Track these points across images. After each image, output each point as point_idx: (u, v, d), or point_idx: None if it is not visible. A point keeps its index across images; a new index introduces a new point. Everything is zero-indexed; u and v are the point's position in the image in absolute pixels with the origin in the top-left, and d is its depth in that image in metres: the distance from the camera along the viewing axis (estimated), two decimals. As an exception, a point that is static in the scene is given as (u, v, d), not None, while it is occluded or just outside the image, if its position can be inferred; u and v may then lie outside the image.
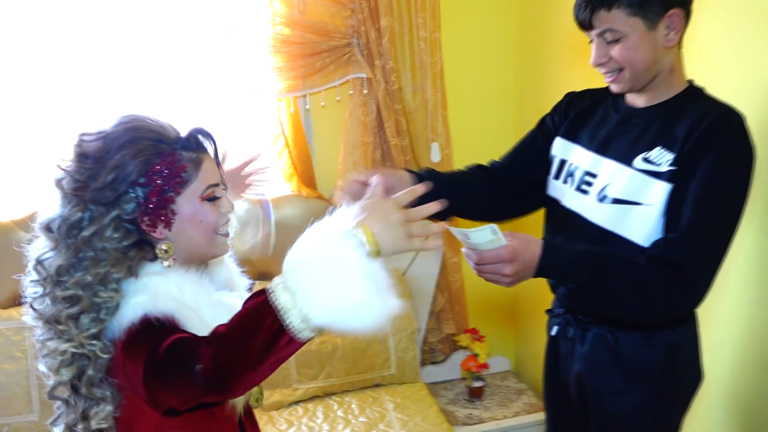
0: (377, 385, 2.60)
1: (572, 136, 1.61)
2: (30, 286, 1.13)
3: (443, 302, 2.92)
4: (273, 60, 2.48)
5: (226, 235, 1.23)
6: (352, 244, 0.96)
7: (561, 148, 1.63)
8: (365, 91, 2.60)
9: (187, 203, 1.14)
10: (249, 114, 2.61)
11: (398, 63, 2.62)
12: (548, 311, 1.73)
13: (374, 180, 1.12)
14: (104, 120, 1.15)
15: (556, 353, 1.68)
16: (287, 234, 2.59)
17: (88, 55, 2.39)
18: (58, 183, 1.10)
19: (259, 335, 0.97)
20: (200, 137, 1.19)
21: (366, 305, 0.96)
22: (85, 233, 1.08)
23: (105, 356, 1.08)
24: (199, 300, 1.13)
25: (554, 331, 1.67)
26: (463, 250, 1.37)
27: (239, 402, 1.21)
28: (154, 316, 1.06)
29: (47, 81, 2.38)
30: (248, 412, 1.33)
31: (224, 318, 1.02)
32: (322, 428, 2.33)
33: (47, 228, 1.10)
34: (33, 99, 2.39)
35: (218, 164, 1.23)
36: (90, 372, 1.09)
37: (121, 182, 1.09)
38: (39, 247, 1.12)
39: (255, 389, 1.26)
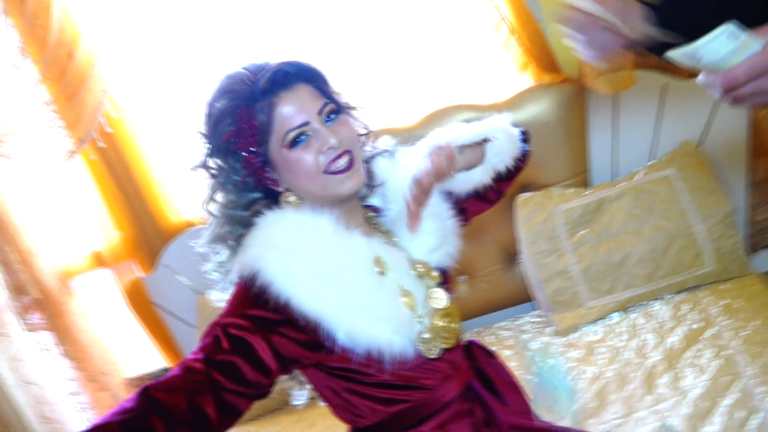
0: (693, 288, 2.09)
1: None
2: None
3: (765, 168, 2.24)
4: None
5: (342, 170, 1.06)
6: None
7: None
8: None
9: (276, 155, 1.08)
10: (460, 8, 2.25)
11: None
12: None
13: None
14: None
15: None
16: (545, 134, 2.25)
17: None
18: None
19: None
20: (279, 75, 1.05)
21: None
22: (211, 198, 1.13)
23: None
24: (301, 240, 1.04)
25: None
26: (699, 79, 0.89)
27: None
28: (244, 277, 1.03)
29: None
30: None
31: (329, 257, 1.03)
32: (628, 348, 1.93)
33: None
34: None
35: (322, 90, 1.10)
36: None
37: (217, 151, 1.09)
38: None
39: (431, 336, 1.11)
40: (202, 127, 1.11)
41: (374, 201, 1.25)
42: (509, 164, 1.23)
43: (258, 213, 1.09)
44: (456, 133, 1.22)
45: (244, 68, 1.09)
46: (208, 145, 1.11)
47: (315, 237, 1.05)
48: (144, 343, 2.52)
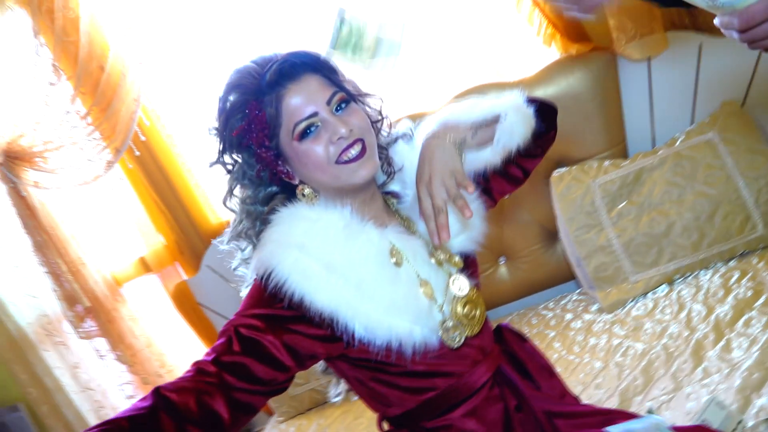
0: (742, 255, 2.00)
1: None
2: None
3: (815, 123, 2.12)
4: None
5: (353, 159, 1.05)
6: None
7: None
8: None
9: (287, 148, 1.07)
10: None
11: None
12: None
13: None
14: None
15: None
16: (578, 106, 2.17)
17: None
18: None
19: None
20: (286, 67, 1.05)
21: None
22: (230, 194, 1.15)
23: None
24: (313, 236, 1.04)
25: None
26: (717, 20, 0.89)
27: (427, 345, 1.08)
28: (259, 275, 1.04)
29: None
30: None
31: (342, 252, 1.03)
32: (678, 321, 1.86)
33: None
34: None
35: (331, 79, 1.08)
36: None
37: (230, 146, 1.10)
38: None
39: (453, 324, 1.10)
40: (215, 123, 1.12)
41: (394, 186, 1.23)
42: (521, 144, 1.17)
43: (274, 210, 1.10)
44: (467, 111, 1.19)
45: (253, 61, 1.09)
46: (221, 141, 1.11)
47: (327, 232, 1.05)
48: (194, 343, 2.58)
